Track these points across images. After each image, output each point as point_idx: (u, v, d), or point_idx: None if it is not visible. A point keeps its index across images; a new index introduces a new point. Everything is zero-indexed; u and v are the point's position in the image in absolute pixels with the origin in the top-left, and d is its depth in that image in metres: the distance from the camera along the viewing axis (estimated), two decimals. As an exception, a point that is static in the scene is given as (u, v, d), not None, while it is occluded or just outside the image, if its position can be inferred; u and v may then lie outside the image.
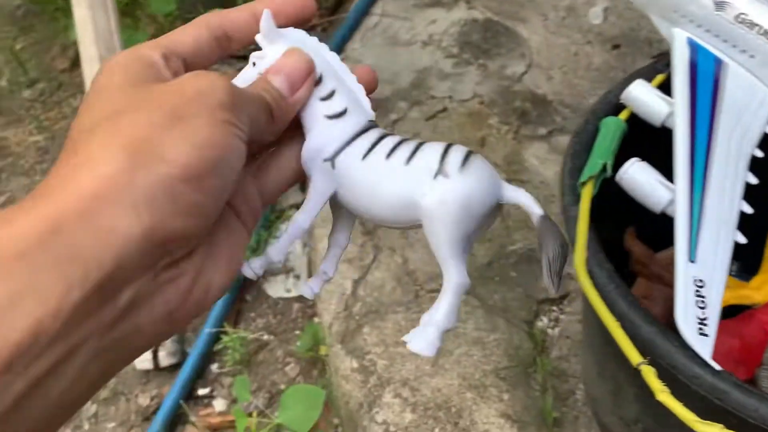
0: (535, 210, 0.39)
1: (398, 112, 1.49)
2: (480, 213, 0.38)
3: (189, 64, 0.39)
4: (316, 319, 1.32)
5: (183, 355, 1.32)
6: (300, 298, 1.38)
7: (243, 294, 1.40)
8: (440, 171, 0.38)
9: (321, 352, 1.25)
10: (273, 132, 0.38)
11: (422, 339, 0.38)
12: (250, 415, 1.11)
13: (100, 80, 0.35)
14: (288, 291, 1.40)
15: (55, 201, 0.28)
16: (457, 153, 0.38)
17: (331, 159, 0.40)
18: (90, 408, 1.33)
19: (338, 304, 1.19)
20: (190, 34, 0.39)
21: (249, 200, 0.39)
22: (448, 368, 1.08)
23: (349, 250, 1.07)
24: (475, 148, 1.35)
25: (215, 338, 1.32)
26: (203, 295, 0.34)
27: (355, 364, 1.11)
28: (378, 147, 0.40)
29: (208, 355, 1.32)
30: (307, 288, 0.42)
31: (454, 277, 0.38)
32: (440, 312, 0.38)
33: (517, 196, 0.39)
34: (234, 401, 1.29)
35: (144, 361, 1.30)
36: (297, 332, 1.35)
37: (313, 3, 0.41)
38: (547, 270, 0.38)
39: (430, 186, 0.37)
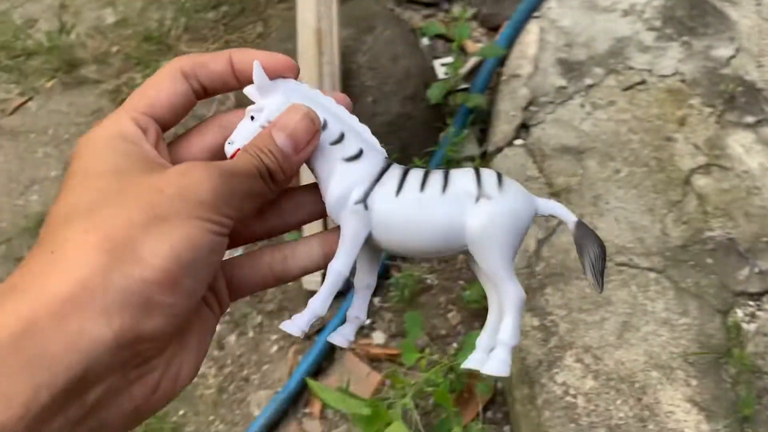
0: (570, 217, 0.40)
1: (593, 77, 1.44)
2: (525, 226, 0.39)
3: (166, 123, 0.38)
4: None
5: (348, 284, 1.35)
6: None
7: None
8: (481, 194, 0.38)
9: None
10: (274, 190, 0.37)
11: (496, 361, 0.38)
12: (421, 351, 1.12)
13: (79, 162, 0.34)
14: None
15: (30, 300, 0.28)
16: (491, 175, 0.39)
17: (363, 201, 0.39)
18: (256, 318, 1.39)
19: (520, 261, 1.19)
20: (166, 91, 0.37)
21: (217, 294, 0.38)
22: (633, 343, 1.05)
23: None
24: (674, 127, 1.29)
25: (383, 271, 1.34)
26: (171, 386, 0.33)
27: (535, 322, 1.10)
28: (408, 182, 0.39)
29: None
30: (340, 338, 0.41)
31: (512, 293, 0.38)
32: (507, 332, 0.38)
33: (551, 207, 0.40)
34: (392, 336, 1.31)
35: (311, 283, 1.34)
36: (461, 282, 1.35)
37: (295, 64, 0.39)
38: (590, 271, 0.39)
39: (474, 210, 0.38)
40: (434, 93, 1.44)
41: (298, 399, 1.27)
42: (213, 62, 0.38)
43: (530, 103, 1.42)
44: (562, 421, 1.00)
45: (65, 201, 0.33)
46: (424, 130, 1.47)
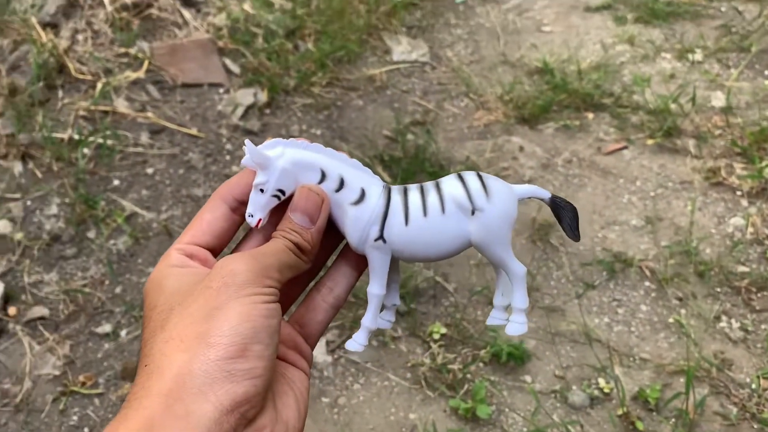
0: (544, 194, 0.50)
1: None
2: (514, 217, 0.47)
3: (213, 244, 0.46)
4: None
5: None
6: None
7: None
8: (474, 208, 0.46)
9: None
10: (308, 260, 0.45)
11: (517, 324, 0.49)
12: None
13: (148, 299, 0.43)
14: None
15: (143, 406, 0.36)
16: (474, 181, 0.47)
17: (380, 237, 0.47)
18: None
19: None
20: (207, 222, 0.46)
21: (299, 349, 0.47)
22: None
23: None
24: None
25: None
26: None
27: None
28: (411, 208, 0.47)
29: None
30: (385, 322, 0.51)
31: (517, 270, 0.48)
32: (519, 300, 0.49)
33: (529, 191, 0.49)
34: None
35: None
36: None
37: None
38: (569, 230, 0.50)
39: (472, 223, 0.46)
40: None
41: None
42: (242, 179, 0.47)
43: None
44: None
45: (147, 329, 0.41)
46: None
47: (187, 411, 0.36)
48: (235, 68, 2.17)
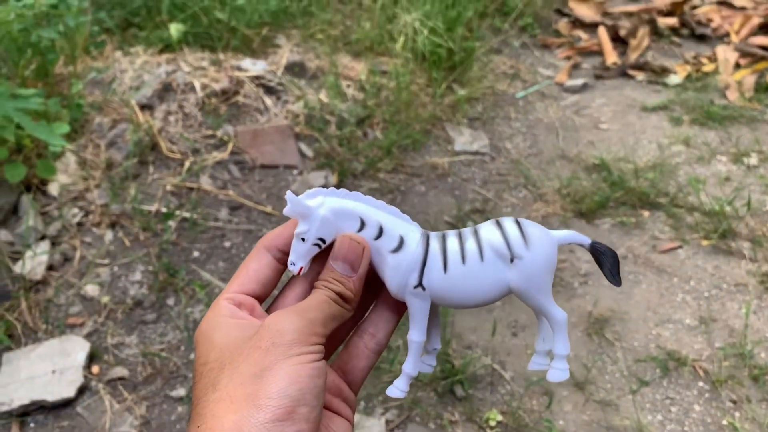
0: (584, 240, 0.50)
1: None
2: (554, 263, 0.47)
3: (259, 292, 0.48)
4: None
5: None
6: None
7: None
8: (513, 255, 0.46)
9: None
10: (351, 308, 0.46)
11: (559, 371, 0.49)
12: None
13: (199, 351, 0.44)
14: None
15: None
16: (512, 228, 0.47)
17: (419, 285, 0.47)
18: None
19: None
20: (252, 269, 0.47)
21: (343, 396, 0.48)
22: None
23: None
24: None
25: None
26: None
27: None
28: (449, 255, 0.47)
29: None
30: (426, 366, 0.51)
31: (558, 316, 0.48)
32: (561, 346, 0.48)
33: (569, 238, 0.49)
34: None
35: None
36: None
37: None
38: (610, 275, 0.50)
39: (512, 271, 0.46)
40: None
41: None
42: (285, 230, 0.48)
43: None
44: None
45: (199, 385, 0.42)
46: None
47: None
48: (309, 152, 2.34)
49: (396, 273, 0.47)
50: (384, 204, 0.48)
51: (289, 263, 0.47)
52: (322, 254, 0.47)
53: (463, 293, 0.47)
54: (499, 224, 0.47)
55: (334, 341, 0.50)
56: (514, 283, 0.47)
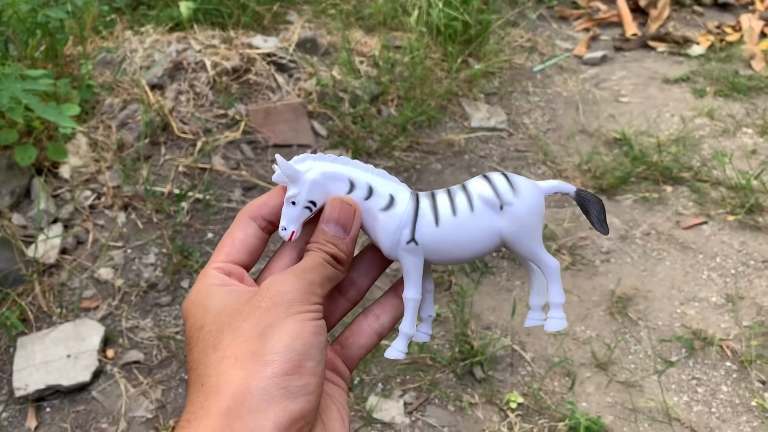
0: (569, 188, 0.50)
1: None
2: (542, 211, 0.48)
3: (246, 261, 0.47)
4: None
5: None
6: None
7: None
8: (502, 203, 0.47)
9: None
10: (344, 270, 0.47)
11: (556, 320, 0.49)
12: None
13: (191, 321, 0.43)
14: None
15: (205, 425, 0.37)
16: (500, 179, 0.47)
17: (412, 240, 0.47)
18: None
19: None
20: (238, 238, 0.47)
21: (336, 370, 0.49)
22: None
23: None
24: None
25: None
26: None
27: None
28: (440, 209, 0.47)
29: None
30: (422, 335, 0.51)
31: (550, 263, 0.48)
32: (555, 293, 0.49)
33: (554, 186, 0.49)
34: None
35: None
36: None
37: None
38: (597, 222, 0.50)
39: (502, 218, 0.47)
40: None
41: None
42: (270, 199, 0.48)
43: None
44: None
45: (196, 349, 0.42)
46: None
47: (248, 429, 0.37)
48: (323, 131, 2.29)
49: (388, 230, 0.47)
50: (372, 167, 0.49)
51: (280, 228, 0.47)
52: (311, 223, 0.48)
53: (456, 245, 0.47)
54: (486, 177, 0.48)
55: (329, 323, 0.50)
56: (506, 230, 0.47)
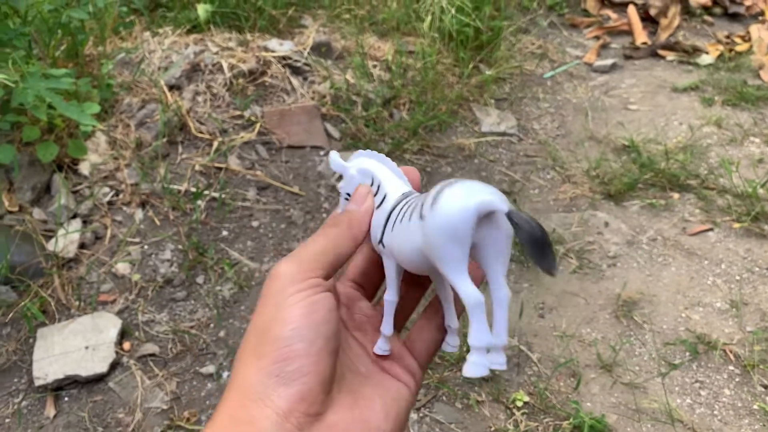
0: (502, 207, 0.39)
1: None
2: (462, 233, 0.38)
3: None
4: None
5: None
6: None
7: None
8: (421, 214, 0.41)
9: None
10: (359, 236, 0.47)
11: (474, 365, 0.40)
12: None
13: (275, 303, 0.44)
14: None
15: (213, 420, 0.40)
16: (439, 186, 0.40)
17: (381, 241, 0.46)
18: None
19: None
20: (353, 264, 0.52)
21: (403, 362, 0.48)
22: None
23: None
24: None
25: None
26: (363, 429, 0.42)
27: None
28: (397, 213, 0.45)
29: None
30: (450, 347, 0.48)
31: (467, 297, 0.39)
32: (474, 334, 0.40)
33: (484, 203, 0.39)
34: None
35: None
36: None
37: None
38: (530, 254, 0.38)
39: (419, 232, 0.41)
40: None
41: None
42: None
43: None
44: None
45: (239, 352, 0.44)
46: None
47: (251, 416, 0.39)
48: (336, 133, 2.33)
49: (373, 226, 0.48)
50: (394, 165, 0.49)
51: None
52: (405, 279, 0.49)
53: (399, 253, 0.44)
54: (445, 183, 0.41)
55: (404, 313, 0.52)
56: (422, 246, 0.41)
